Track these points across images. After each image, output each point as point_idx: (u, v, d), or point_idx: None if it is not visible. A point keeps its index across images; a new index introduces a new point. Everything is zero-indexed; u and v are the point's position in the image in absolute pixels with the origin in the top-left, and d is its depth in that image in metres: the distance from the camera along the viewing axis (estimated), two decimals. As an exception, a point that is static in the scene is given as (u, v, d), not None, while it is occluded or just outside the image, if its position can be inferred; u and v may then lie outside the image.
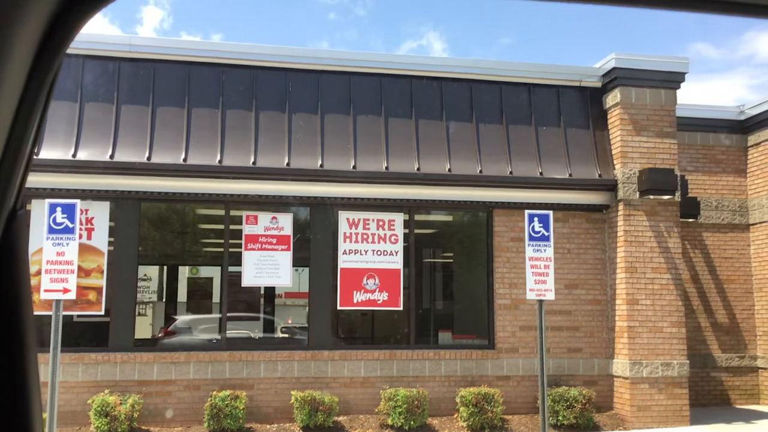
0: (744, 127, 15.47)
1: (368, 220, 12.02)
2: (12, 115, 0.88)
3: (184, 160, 11.18)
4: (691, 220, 14.95)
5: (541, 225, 9.72)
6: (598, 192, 12.45)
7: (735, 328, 15.11)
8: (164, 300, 17.16)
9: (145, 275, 17.31)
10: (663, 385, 11.86)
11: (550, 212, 9.84)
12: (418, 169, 11.86)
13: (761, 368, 14.84)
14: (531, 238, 9.71)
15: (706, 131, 15.42)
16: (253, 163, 11.36)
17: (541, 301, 9.68)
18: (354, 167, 11.66)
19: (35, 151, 0.95)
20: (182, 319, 15.33)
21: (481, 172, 12.03)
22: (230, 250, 11.67)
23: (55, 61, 0.89)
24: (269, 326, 15.69)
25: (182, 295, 17.33)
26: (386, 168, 11.76)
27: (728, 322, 15.07)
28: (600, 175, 12.38)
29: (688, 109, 15.66)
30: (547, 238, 9.72)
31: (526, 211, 9.83)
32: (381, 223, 12.04)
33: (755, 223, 15.17)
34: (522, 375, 12.05)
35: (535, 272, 9.67)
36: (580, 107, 12.83)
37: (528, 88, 12.71)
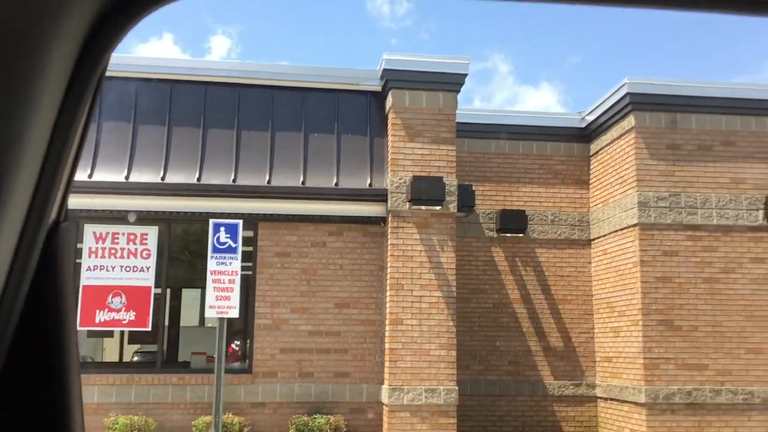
0: (585, 135, 14.39)
1: (118, 234, 11.20)
2: (51, 125, 0.85)
3: None
4: (521, 235, 13.91)
5: (228, 236, 8.86)
6: (371, 203, 11.49)
7: (571, 353, 13.88)
8: None
9: None
10: (426, 414, 10.75)
11: (240, 221, 8.98)
12: (163, 178, 11.06)
13: (600, 398, 13.57)
14: (215, 250, 8.84)
15: (545, 140, 14.37)
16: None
17: (222, 320, 8.77)
18: (90, 176, 10.90)
19: (78, 161, 0.92)
20: None
21: (234, 181, 11.19)
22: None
23: (96, 69, 0.88)
24: None
25: None
26: (126, 178, 10.98)
27: (563, 347, 13.86)
28: (371, 185, 11.43)
29: (525, 117, 14.64)
30: (234, 250, 8.84)
31: (211, 221, 8.97)
32: (132, 237, 11.22)
33: (595, 239, 14.02)
34: (279, 401, 11.05)
35: (218, 287, 8.79)
36: (360, 112, 11.93)
37: (302, 92, 11.86)
